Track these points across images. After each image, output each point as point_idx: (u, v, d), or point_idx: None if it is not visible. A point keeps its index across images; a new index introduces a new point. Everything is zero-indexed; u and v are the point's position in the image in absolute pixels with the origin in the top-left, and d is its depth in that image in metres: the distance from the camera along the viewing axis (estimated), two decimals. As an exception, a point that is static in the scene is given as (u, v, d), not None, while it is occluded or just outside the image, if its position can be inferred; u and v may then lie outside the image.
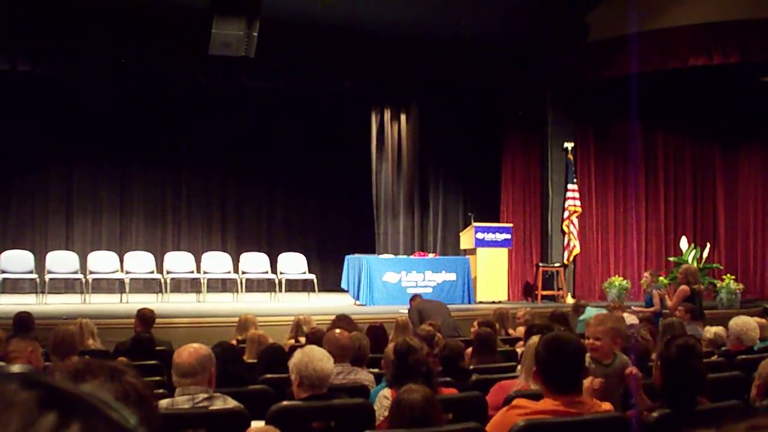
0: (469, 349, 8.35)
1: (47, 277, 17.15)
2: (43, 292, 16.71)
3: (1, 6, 15.00)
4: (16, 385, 0.66)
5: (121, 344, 9.30)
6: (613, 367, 5.74)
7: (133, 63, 17.32)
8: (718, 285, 17.78)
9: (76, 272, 17.60)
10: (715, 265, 19.25)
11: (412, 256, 17.75)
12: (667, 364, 4.81)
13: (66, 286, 17.91)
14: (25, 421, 0.63)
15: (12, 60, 16.76)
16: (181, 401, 5.06)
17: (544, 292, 18.37)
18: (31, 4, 15.07)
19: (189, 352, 5.24)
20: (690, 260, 17.94)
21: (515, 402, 4.46)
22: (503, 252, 17.56)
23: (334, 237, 20.29)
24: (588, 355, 5.34)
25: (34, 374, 0.69)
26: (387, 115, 19.80)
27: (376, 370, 7.29)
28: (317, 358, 5.37)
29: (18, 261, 17.67)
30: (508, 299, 17.85)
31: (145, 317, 10.62)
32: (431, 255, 17.98)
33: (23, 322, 9.95)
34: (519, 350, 7.96)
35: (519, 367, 6.65)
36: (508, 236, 17.55)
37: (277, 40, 15.43)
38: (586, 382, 4.93)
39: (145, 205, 20.29)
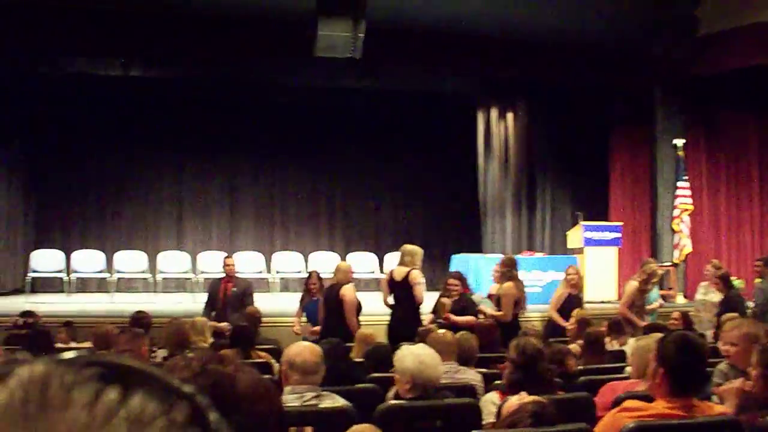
0: (573, 346, 8.27)
1: (159, 276, 17.48)
2: (155, 291, 17.06)
3: (115, 15, 15.33)
4: (78, 365, 0.68)
5: (223, 341, 9.46)
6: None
7: (240, 66, 17.56)
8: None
9: (187, 272, 17.92)
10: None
11: (519, 256, 17.61)
12: None
13: (177, 285, 18.23)
14: (90, 397, 0.66)
15: (124, 66, 17.14)
16: (290, 399, 5.10)
17: (654, 292, 18.04)
18: (142, 12, 15.36)
19: (310, 350, 5.27)
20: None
21: (626, 404, 4.37)
22: (612, 251, 17.28)
23: (440, 237, 20.26)
24: (726, 361, 5.25)
25: (95, 354, 0.71)
26: (493, 114, 19.71)
27: (484, 370, 7.26)
28: (430, 365, 5.34)
29: (132, 261, 18.10)
30: (618, 299, 17.58)
31: (252, 316, 10.78)
32: (539, 254, 17.82)
33: (140, 321, 10.18)
34: (628, 350, 7.84)
35: (628, 368, 6.56)
36: (618, 235, 17.26)
37: (383, 41, 15.44)
38: (736, 383, 4.84)
39: (254, 205, 20.56)
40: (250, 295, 12.59)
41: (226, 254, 14.21)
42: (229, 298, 12.43)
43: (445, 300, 10.85)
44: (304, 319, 12.02)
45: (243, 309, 11.68)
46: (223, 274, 13.07)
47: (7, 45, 15.95)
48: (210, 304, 12.67)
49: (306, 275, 17.85)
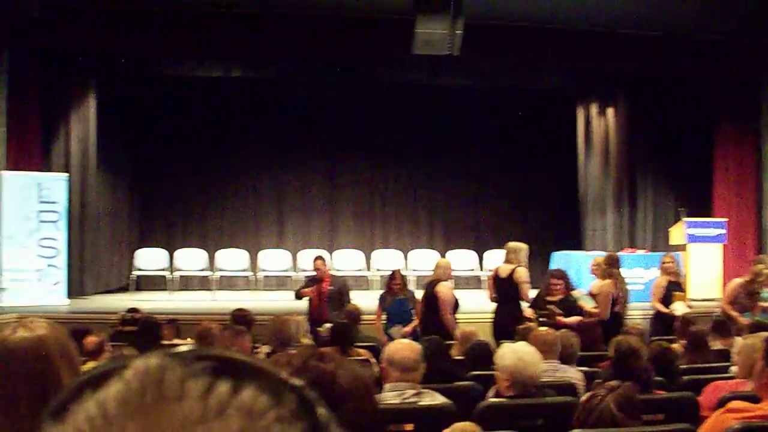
0: (676, 345, 8.14)
1: (260, 274, 17.68)
2: (256, 289, 17.26)
3: (216, 17, 15.56)
4: (190, 359, 0.70)
5: (323, 338, 9.54)
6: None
7: (339, 65, 17.67)
8: None
9: (287, 270, 18.10)
10: None
11: (621, 253, 17.38)
12: None
13: (278, 283, 18.40)
14: (203, 389, 0.67)
15: (226, 67, 17.38)
16: (390, 396, 5.11)
17: (761, 290, 17.62)
18: (242, 13, 15.55)
19: (410, 347, 5.29)
20: None
21: (731, 405, 4.27)
22: (717, 248, 16.92)
23: (540, 234, 20.08)
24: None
25: (205, 349, 0.73)
26: (593, 109, 19.48)
27: (585, 368, 7.19)
28: (531, 363, 5.32)
29: (233, 259, 18.36)
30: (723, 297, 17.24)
31: (352, 314, 10.83)
32: (641, 251, 17.58)
33: (241, 319, 10.33)
34: (733, 349, 7.69)
35: (734, 367, 6.43)
36: (722, 231, 16.90)
37: (481, 38, 15.38)
38: None
39: (353, 203, 20.67)
40: (347, 292, 12.62)
41: (316, 255, 14.24)
42: (327, 297, 12.46)
43: (552, 307, 10.69)
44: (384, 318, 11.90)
45: (341, 307, 11.74)
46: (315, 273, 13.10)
47: (111, 49, 16.30)
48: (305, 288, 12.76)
49: (406, 273, 17.99)
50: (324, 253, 18.23)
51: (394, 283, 11.90)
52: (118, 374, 0.70)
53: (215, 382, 0.68)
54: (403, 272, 17.97)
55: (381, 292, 12.56)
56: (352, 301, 12.12)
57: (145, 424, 0.65)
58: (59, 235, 15.69)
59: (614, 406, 4.14)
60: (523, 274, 11.07)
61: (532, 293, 11.24)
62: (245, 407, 0.67)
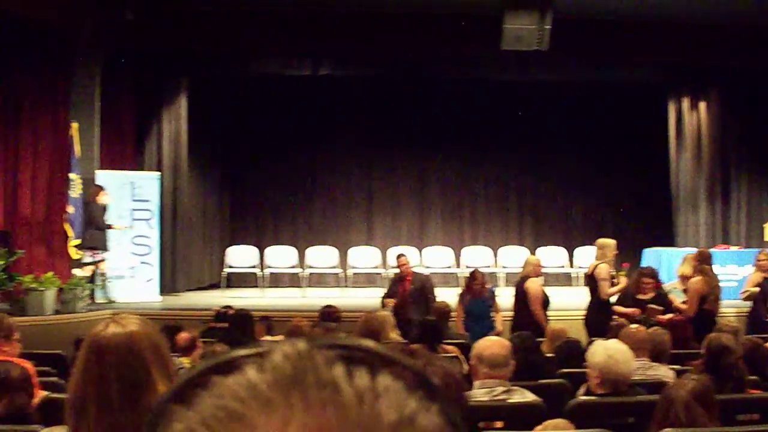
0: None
1: (350, 271, 17.78)
2: (346, 286, 17.35)
3: (305, 15, 15.68)
4: (324, 347, 0.71)
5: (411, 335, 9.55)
6: None
7: (427, 62, 17.68)
8: None
9: (377, 267, 18.17)
10: None
11: (714, 249, 17.09)
12: None
13: (367, 280, 18.47)
14: (345, 375, 0.69)
15: (314, 66, 17.50)
16: (479, 393, 5.11)
17: None
18: (331, 12, 15.65)
19: (499, 344, 5.28)
20: None
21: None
22: (814, 243, 16.59)
23: (631, 230, 19.83)
24: None
25: (335, 337, 0.74)
26: (685, 103, 19.18)
27: (677, 367, 7.10)
28: (622, 360, 5.26)
29: (323, 256, 18.49)
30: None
31: (441, 311, 10.84)
32: (734, 248, 17.26)
33: (329, 314, 10.43)
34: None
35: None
36: (819, 227, 16.57)
37: (570, 32, 15.26)
38: None
39: (442, 200, 20.66)
40: (430, 289, 12.58)
41: (399, 253, 14.25)
42: (409, 295, 12.46)
43: (653, 306, 10.53)
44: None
45: (425, 304, 11.75)
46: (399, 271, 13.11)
47: (202, 49, 16.54)
48: (388, 297, 12.76)
49: (495, 270, 17.95)
50: (413, 250, 18.37)
51: (474, 283, 11.82)
52: (263, 358, 0.71)
53: (353, 369, 0.69)
54: (492, 269, 18.10)
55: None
56: (438, 298, 12.13)
57: (305, 407, 0.66)
58: (152, 232, 15.97)
59: (690, 399, 4.09)
60: (601, 271, 11.02)
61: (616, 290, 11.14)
62: (389, 393, 0.69)
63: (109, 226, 14.86)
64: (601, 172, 20.38)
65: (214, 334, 9.81)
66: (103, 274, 14.98)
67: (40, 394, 5.21)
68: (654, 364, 6.78)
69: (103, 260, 14.85)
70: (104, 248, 14.79)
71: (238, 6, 15.64)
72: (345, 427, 0.66)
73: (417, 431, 0.68)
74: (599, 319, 10.70)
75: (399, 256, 13.41)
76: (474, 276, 11.91)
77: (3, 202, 15.36)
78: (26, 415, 4.56)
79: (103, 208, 14.81)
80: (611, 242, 11.31)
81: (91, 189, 14.77)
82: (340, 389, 0.68)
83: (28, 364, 5.51)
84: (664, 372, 6.69)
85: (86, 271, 14.58)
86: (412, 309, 11.91)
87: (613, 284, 11.07)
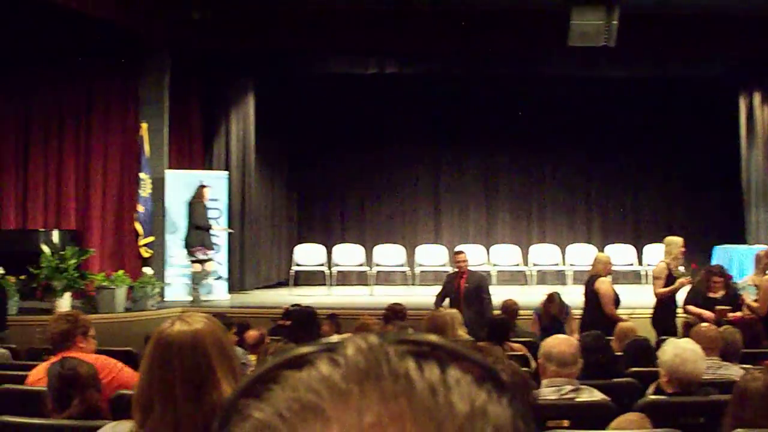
0: None
1: (417, 269, 17.78)
2: (413, 284, 17.36)
3: (371, 14, 15.72)
4: (394, 342, 0.72)
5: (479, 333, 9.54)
6: None
7: (493, 59, 17.61)
8: None
9: (444, 265, 18.14)
10: None
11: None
12: None
13: (435, 278, 18.46)
14: (416, 369, 0.69)
15: (380, 63, 17.53)
16: (547, 392, 5.08)
17: None
18: (397, 10, 15.66)
19: (568, 342, 5.26)
20: None
21: None
22: None
23: (701, 227, 19.59)
24: None
25: (402, 333, 0.75)
26: (757, 98, 18.87)
27: (748, 366, 7.00)
28: (690, 360, 5.20)
29: (390, 254, 18.52)
30: None
31: (510, 308, 10.83)
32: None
33: (396, 312, 10.45)
34: None
35: None
36: None
37: (637, 27, 15.12)
38: None
39: (510, 198, 20.58)
40: (485, 288, 12.50)
41: (457, 249, 14.19)
42: (464, 294, 12.41)
43: (722, 307, 10.38)
44: None
45: (479, 304, 11.69)
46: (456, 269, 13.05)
47: (269, 48, 16.64)
48: (442, 297, 12.71)
49: (563, 267, 17.85)
50: (480, 248, 18.36)
51: (551, 305, 11.61)
52: (334, 352, 0.71)
53: (423, 363, 0.70)
54: (559, 267, 18.00)
55: (542, 287, 12.37)
56: (493, 297, 12.11)
57: (380, 398, 0.67)
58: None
59: (766, 393, 4.02)
60: (656, 269, 10.96)
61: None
62: (460, 386, 0.69)
63: (210, 228, 15.12)
64: (670, 169, 20.17)
65: (281, 331, 9.88)
66: (208, 273, 15.22)
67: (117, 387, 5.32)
68: (725, 363, 6.69)
69: (211, 259, 15.10)
70: (211, 247, 15.08)
71: (304, 5, 15.72)
72: (419, 418, 0.67)
73: (489, 422, 0.69)
74: (663, 318, 10.63)
75: (457, 253, 13.32)
76: (551, 299, 11.75)
77: (75, 202, 15.66)
78: (98, 411, 4.62)
79: (205, 208, 15.12)
80: (678, 240, 11.16)
81: (197, 190, 15.12)
82: (413, 381, 0.68)
83: (109, 360, 5.61)
84: (735, 371, 6.59)
85: (196, 268, 15.02)
86: (464, 307, 11.81)
87: (670, 283, 10.91)
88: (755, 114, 18.70)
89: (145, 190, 14.75)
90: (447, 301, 12.32)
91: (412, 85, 19.07)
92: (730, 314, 10.04)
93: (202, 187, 15.19)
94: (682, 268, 11.34)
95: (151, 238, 14.84)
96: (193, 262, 15.00)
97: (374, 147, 19.98)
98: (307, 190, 20.32)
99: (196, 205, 15.00)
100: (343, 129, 19.79)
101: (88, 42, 15.03)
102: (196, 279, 15.00)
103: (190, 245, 14.92)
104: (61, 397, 4.60)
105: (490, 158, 20.46)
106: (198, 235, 14.89)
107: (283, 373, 0.71)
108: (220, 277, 15.87)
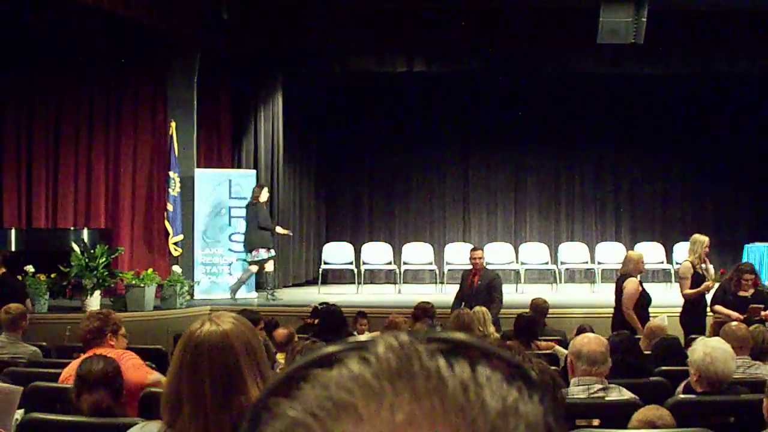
0: None
1: (446, 267, 17.77)
2: (442, 283, 17.35)
3: (400, 12, 15.73)
4: (424, 340, 0.72)
5: (507, 331, 9.52)
6: None
7: (521, 57, 17.57)
8: None
9: (472, 263, 18.13)
10: None
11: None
12: None
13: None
14: (447, 366, 0.70)
15: (409, 62, 17.52)
16: (576, 391, 5.08)
17: None
18: (425, 8, 15.67)
19: (597, 341, 5.25)
20: None
21: None
22: None
23: (731, 225, 19.48)
24: None
25: (431, 331, 0.75)
26: (788, 95, 18.77)
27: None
28: (720, 359, 5.18)
29: (419, 253, 18.52)
30: None
31: (539, 307, 10.80)
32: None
33: (424, 311, 10.47)
34: None
35: None
36: None
37: (666, 24, 15.05)
38: None
39: (539, 196, 20.50)
40: (497, 287, 12.48)
41: (474, 246, 14.19)
42: (475, 291, 12.42)
43: (756, 306, 10.33)
44: None
45: (488, 302, 11.66)
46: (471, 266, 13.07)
47: (297, 47, 16.67)
48: (460, 297, 12.73)
49: (592, 266, 17.78)
50: (508, 246, 18.33)
51: None
52: (364, 350, 0.72)
53: (453, 361, 0.70)
54: (588, 266, 17.92)
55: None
56: (505, 296, 12.14)
57: (412, 396, 0.68)
58: (249, 229, 16.16)
59: None
60: (682, 268, 10.95)
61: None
62: (491, 383, 0.70)
63: (273, 229, 15.22)
64: (700, 166, 20.03)
65: (310, 330, 9.91)
66: (268, 273, 15.31)
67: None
68: (756, 362, 6.66)
69: (271, 258, 15.18)
70: (272, 248, 15.19)
71: (332, 3, 15.75)
72: (451, 415, 0.67)
73: (520, 419, 0.69)
74: (690, 317, 10.61)
75: (473, 249, 13.36)
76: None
77: (105, 201, 15.76)
78: (110, 410, 4.64)
79: (266, 207, 15.27)
80: (703, 239, 11.08)
81: (254, 190, 15.23)
82: (444, 379, 0.69)
83: (136, 359, 5.65)
84: (766, 370, 6.56)
85: (252, 269, 15.27)
86: (473, 304, 11.76)
87: (696, 282, 10.84)
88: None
89: (174, 189, 14.82)
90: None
91: (440, 83, 19.05)
92: (763, 312, 9.99)
93: (259, 187, 15.27)
94: (711, 269, 11.29)
95: (180, 237, 14.91)
96: (251, 263, 15.11)
97: (402, 145, 19.97)
98: (336, 189, 20.35)
99: (259, 206, 15.06)
100: (371, 127, 19.81)
101: (119, 42, 15.13)
102: (244, 279, 15.16)
103: (252, 246, 15.01)
104: (78, 394, 4.66)
105: (519, 156, 20.39)
106: (261, 235, 14.96)
107: (313, 372, 0.71)
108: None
